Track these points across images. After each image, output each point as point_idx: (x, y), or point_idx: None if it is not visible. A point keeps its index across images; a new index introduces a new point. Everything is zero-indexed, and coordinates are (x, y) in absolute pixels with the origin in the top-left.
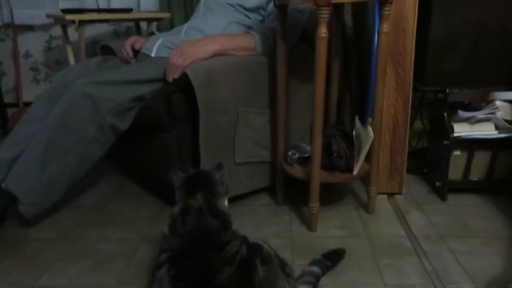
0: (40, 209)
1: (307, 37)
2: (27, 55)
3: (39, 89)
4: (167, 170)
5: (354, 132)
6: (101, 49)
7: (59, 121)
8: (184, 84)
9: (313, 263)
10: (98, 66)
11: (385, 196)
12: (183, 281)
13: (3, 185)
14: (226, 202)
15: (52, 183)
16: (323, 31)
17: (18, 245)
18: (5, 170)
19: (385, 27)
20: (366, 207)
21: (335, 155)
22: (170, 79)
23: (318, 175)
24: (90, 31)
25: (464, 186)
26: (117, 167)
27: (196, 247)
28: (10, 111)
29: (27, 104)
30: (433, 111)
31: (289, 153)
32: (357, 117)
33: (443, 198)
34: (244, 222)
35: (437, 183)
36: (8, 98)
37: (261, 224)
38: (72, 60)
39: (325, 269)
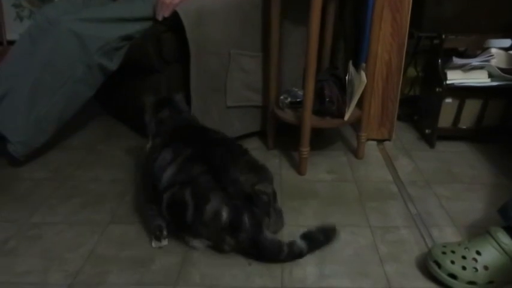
0: (29, 149)
1: None
2: None
3: (23, 27)
4: None
5: (347, 78)
6: None
7: (45, 60)
8: (174, 23)
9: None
10: (84, 3)
11: (374, 142)
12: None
13: None
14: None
15: (40, 122)
16: None
17: (9, 183)
18: None
19: None
20: (356, 152)
21: (327, 100)
22: (160, 18)
23: (309, 120)
24: None
25: (453, 134)
26: (107, 109)
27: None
28: None
29: (11, 43)
30: (427, 58)
31: (281, 97)
32: (350, 62)
33: (431, 145)
34: None
35: (426, 131)
36: None
37: None
38: None
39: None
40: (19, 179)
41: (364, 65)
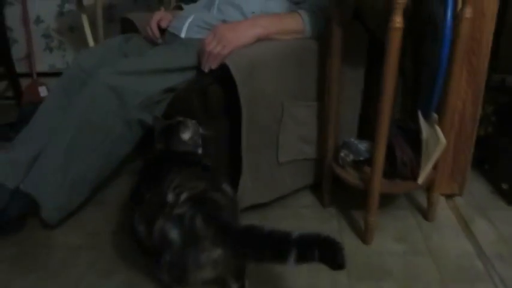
0: (63, 214)
1: (357, 13)
2: (39, 21)
3: (52, 58)
4: None
5: (423, 137)
6: (121, 22)
7: (81, 118)
8: (222, 75)
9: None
10: (119, 49)
11: (443, 198)
12: None
13: (21, 187)
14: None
15: (76, 185)
16: (398, 20)
17: (41, 252)
18: (22, 171)
19: (468, 11)
20: (425, 213)
21: (399, 161)
22: (206, 69)
23: (378, 185)
24: None
25: None
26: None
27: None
28: (23, 82)
29: (41, 74)
30: (497, 95)
31: (341, 154)
32: (419, 114)
33: (510, 202)
34: (287, 228)
35: (503, 185)
36: (21, 68)
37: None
38: (87, 28)
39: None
40: (53, 246)
41: (436, 116)
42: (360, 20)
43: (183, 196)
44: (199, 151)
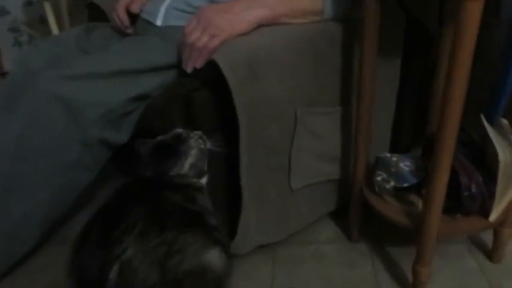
0: (6, 267)
1: None
2: (4, 12)
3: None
4: None
5: (497, 151)
6: (88, 8)
7: (19, 141)
8: (211, 76)
9: None
10: (78, 43)
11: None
12: None
13: None
14: None
15: (17, 232)
16: None
17: None
18: None
19: None
20: (490, 253)
21: (465, 193)
22: (189, 69)
23: (435, 227)
24: None
25: None
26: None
27: None
28: None
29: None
30: None
31: (378, 178)
32: (483, 119)
33: None
34: (307, 276)
35: None
36: None
37: (334, 282)
38: (51, 18)
39: None
40: None
41: (506, 123)
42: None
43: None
44: (203, 181)
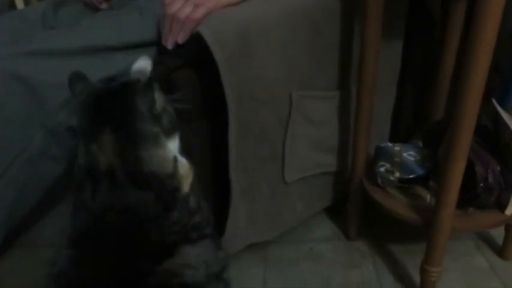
0: None
1: None
2: None
3: None
4: None
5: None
6: None
7: None
8: (195, 54)
9: None
10: (44, 19)
11: None
12: None
13: None
14: (169, 149)
15: None
16: None
17: None
18: None
19: None
20: (501, 250)
21: (481, 185)
22: (170, 45)
23: (449, 223)
24: None
25: None
26: None
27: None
28: None
29: None
30: None
31: (381, 169)
32: (495, 103)
33: None
34: (302, 278)
35: None
36: None
37: (332, 284)
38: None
39: None
40: None
41: None
42: None
43: None
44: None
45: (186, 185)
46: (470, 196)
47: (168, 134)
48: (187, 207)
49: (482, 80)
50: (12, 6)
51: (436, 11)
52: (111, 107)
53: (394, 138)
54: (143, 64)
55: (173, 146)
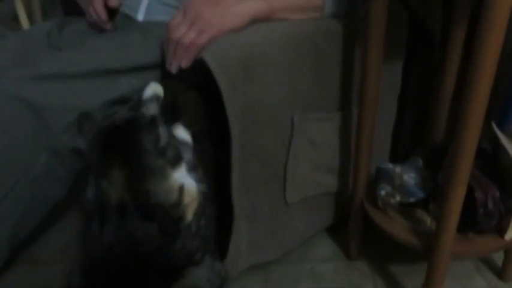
0: None
1: None
2: None
3: None
4: None
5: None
6: (62, 4)
7: None
8: (199, 77)
9: None
10: (49, 38)
11: None
12: None
13: None
14: (174, 178)
15: None
16: None
17: None
18: None
19: None
20: (499, 271)
21: (481, 211)
22: (174, 69)
23: (449, 247)
24: None
25: None
26: None
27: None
28: None
29: None
30: None
31: (381, 192)
32: (494, 126)
33: None
34: None
35: None
36: None
37: None
38: (23, 18)
39: None
40: None
41: None
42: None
43: None
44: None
45: (190, 213)
46: (470, 221)
47: (174, 164)
48: (190, 234)
49: (482, 108)
50: (15, 19)
51: (436, 32)
52: (118, 145)
53: (394, 156)
54: (154, 90)
55: (179, 174)
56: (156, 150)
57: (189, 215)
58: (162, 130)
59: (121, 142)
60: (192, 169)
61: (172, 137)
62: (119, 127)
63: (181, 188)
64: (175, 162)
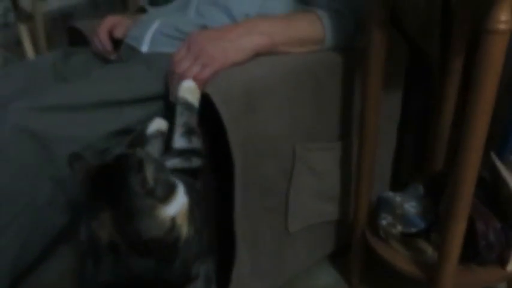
0: None
1: (396, 20)
2: None
3: None
4: None
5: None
6: (68, 33)
7: None
8: (202, 109)
9: None
10: (55, 68)
11: None
12: None
13: None
14: (166, 213)
15: None
16: (503, 18)
17: None
18: None
19: None
20: None
21: (482, 243)
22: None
23: (451, 278)
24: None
25: None
26: None
27: None
28: None
29: None
30: None
31: (383, 221)
32: (493, 156)
33: None
34: None
35: None
36: None
37: None
38: (28, 45)
39: None
40: None
41: None
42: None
43: None
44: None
45: (184, 230)
46: (472, 253)
47: (164, 199)
48: (187, 246)
49: (482, 138)
50: (19, 44)
51: (435, 61)
52: (106, 186)
53: (395, 182)
54: (158, 126)
55: (170, 208)
56: (143, 191)
57: (184, 231)
58: (149, 170)
59: (108, 184)
60: (186, 132)
61: (162, 172)
62: (108, 167)
63: (173, 219)
64: (166, 197)
